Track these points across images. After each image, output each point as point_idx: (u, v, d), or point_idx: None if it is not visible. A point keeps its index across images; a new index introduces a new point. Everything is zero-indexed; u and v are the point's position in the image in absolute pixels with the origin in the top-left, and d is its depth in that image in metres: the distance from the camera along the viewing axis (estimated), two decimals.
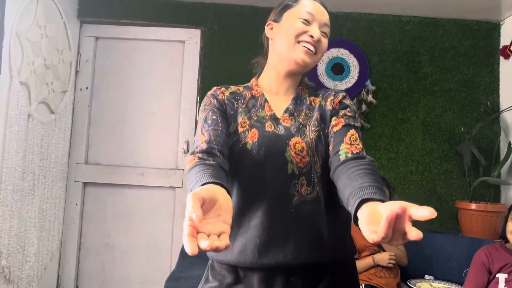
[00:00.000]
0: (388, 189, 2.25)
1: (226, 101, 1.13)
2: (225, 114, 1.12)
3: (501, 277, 1.72)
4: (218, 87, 1.18)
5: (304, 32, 1.10)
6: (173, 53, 2.77)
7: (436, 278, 2.30)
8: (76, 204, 2.66)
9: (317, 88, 1.22)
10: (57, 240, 2.56)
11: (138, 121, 2.75)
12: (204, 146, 1.03)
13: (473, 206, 2.42)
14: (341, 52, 2.76)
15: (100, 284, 2.67)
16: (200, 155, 1.00)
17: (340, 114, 1.11)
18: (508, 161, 2.57)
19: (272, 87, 1.17)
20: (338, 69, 2.75)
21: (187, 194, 0.80)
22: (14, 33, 2.04)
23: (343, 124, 1.08)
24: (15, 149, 2.06)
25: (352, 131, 1.07)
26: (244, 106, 1.14)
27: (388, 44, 2.79)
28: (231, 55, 2.73)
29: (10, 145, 2.03)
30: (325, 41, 1.14)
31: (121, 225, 2.70)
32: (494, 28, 2.80)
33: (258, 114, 1.12)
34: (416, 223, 2.53)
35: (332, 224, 1.05)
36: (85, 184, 2.70)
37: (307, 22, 1.11)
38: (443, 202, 2.70)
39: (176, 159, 2.72)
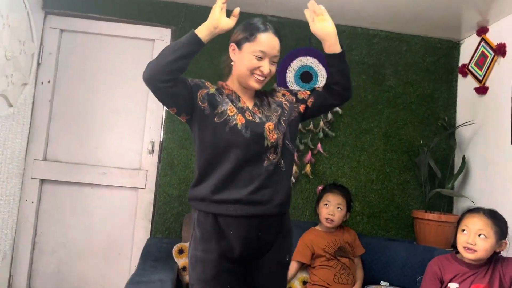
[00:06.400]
0: (345, 197, 2.31)
1: (215, 92, 1.50)
2: (195, 93, 1.46)
3: (453, 286, 1.80)
4: (208, 82, 1.54)
5: (257, 68, 1.46)
6: (142, 52, 2.72)
7: (392, 284, 2.38)
8: (32, 202, 2.56)
9: (264, 91, 1.64)
10: (9, 239, 2.44)
11: (102, 118, 2.68)
12: None
13: (429, 216, 2.53)
14: (310, 61, 2.81)
15: (55, 285, 2.57)
16: None
17: (299, 94, 1.66)
18: (462, 174, 2.71)
19: (238, 90, 1.55)
20: (306, 77, 2.80)
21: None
22: None
23: (308, 93, 1.65)
24: None
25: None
26: (226, 98, 1.50)
27: (355, 56, 2.87)
28: (202, 57, 2.68)
29: None
30: (273, 68, 1.51)
31: (79, 225, 2.61)
32: (454, 47, 2.95)
33: (238, 105, 1.50)
34: (374, 231, 2.64)
35: (287, 176, 1.53)
36: (42, 181, 2.60)
37: (260, 58, 1.46)
38: (400, 211, 2.81)
39: (140, 159, 2.67)
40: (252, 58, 1.45)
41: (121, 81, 2.70)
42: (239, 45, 1.49)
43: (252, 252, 1.47)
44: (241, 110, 1.49)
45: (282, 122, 1.54)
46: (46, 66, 2.63)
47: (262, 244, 1.49)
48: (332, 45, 1.51)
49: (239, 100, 1.52)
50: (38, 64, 2.60)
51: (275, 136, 1.49)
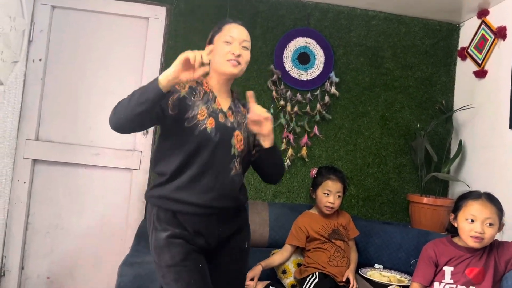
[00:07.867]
0: (343, 183, 2.30)
1: (186, 94, 1.48)
2: (164, 106, 1.42)
3: (447, 269, 1.80)
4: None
5: (228, 52, 1.50)
6: (136, 30, 2.66)
7: (385, 267, 2.40)
8: (24, 182, 2.52)
9: (238, 97, 1.68)
10: (2, 219, 2.42)
11: (95, 98, 2.62)
12: None
13: (424, 199, 2.53)
14: (308, 42, 2.76)
15: (48, 266, 2.56)
16: None
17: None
18: (458, 158, 2.70)
19: (216, 87, 1.56)
20: (304, 58, 2.75)
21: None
22: None
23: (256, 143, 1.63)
24: None
25: None
26: (200, 99, 1.50)
27: (353, 38, 2.82)
28: (196, 36, 2.65)
29: None
30: (246, 53, 1.54)
31: (72, 206, 2.59)
32: (454, 30, 2.90)
33: (212, 106, 1.51)
34: (369, 214, 2.63)
35: (243, 186, 1.60)
36: (34, 161, 2.56)
37: (229, 43, 1.51)
38: (395, 195, 2.81)
39: (134, 140, 2.63)
40: (223, 45, 1.51)
41: (114, 59, 2.64)
42: (211, 41, 1.57)
43: (214, 241, 1.51)
44: (214, 113, 1.50)
45: (247, 138, 1.57)
46: (37, 43, 2.56)
47: (223, 235, 1.53)
48: (271, 140, 1.53)
49: (215, 101, 1.53)
50: (29, 41, 2.53)
51: (242, 147, 1.53)
